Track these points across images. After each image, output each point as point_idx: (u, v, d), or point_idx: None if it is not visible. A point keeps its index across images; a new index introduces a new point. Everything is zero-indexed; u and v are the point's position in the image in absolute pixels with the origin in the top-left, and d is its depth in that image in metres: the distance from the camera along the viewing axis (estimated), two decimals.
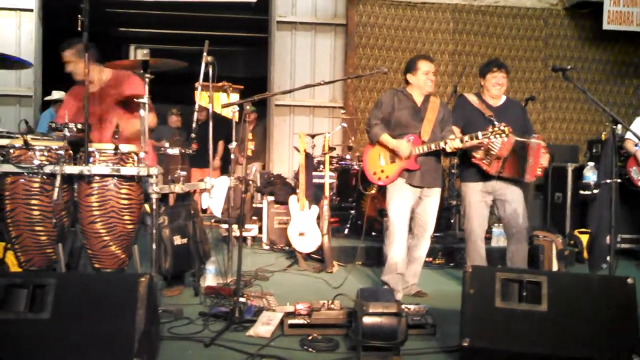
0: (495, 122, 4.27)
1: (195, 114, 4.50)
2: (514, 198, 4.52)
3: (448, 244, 5.98)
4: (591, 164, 6.05)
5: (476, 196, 4.59)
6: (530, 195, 6.69)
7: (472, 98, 4.65)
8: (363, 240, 5.42)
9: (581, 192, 5.85)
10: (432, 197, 4.43)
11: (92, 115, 3.77)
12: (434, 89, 4.48)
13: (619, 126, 4.57)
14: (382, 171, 4.40)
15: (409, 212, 4.40)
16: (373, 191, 5.66)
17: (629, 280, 2.91)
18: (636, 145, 5.83)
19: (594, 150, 6.88)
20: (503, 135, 4.12)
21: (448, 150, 4.29)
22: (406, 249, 4.39)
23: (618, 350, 2.80)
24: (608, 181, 3.86)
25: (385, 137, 4.36)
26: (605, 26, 8.71)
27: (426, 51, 8.80)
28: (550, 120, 9.22)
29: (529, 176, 4.42)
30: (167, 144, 5.48)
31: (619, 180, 3.80)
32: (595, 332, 2.83)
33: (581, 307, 2.90)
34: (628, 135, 5.93)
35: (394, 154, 4.35)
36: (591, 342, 2.82)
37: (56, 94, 8.41)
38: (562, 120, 9.23)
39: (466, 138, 4.23)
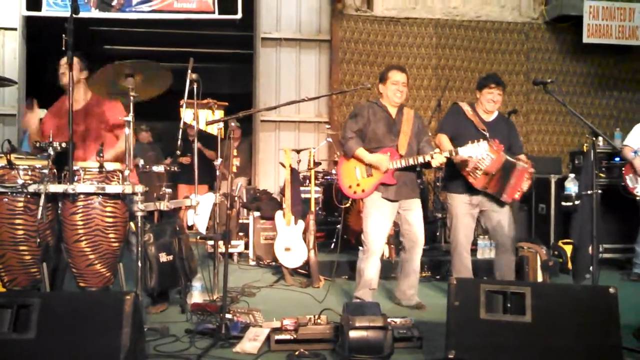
0: (487, 136, 4.31)
1: (180, 131, 4.51)
2: (500, 209, 4.56)
3: (434, 256, 6.00)
4: (572, 175, 6.12)
5: (462, 208, 4.61)
6: (515, 206, 6.75)
7: (467, 108, 4.65)
8: (339, 254, 5.45)
9: (563, 203, 5.91)
10: (414, 210, 4.43)
11: (75, 133, 3.77)
12: (402, 99, 4.45)
13: (600, 138, 4.64)
14: (358, 185, 4.39)
15: (388, 229, 4.41)
16: (348, 204, 5.64)
17: (611, 290, 2.95)
18: (634, 152, 5.83)
19: (576, 162, 6.96)
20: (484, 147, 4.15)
21: (434, 165, 4.30)
22: (380, 265, 4.41)
23: None
24: (589, 192, 3.92)
25: (361, 152, 4.34)
26: (585, 39, 8.84)
27: (409, 65, 8.88)
28: (532, 133, 9.32)
29: (507, 196, 4.44)
30: (142, 162, 5.45)
31: (599, 191, 3.86)
32: (578, 342, 2.86)
33: (565, 318, 2.93)
34: (626, 141, 5.95)
35: (370, 168, 4.35)
36: (575, 352, 2.85)
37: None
38: (544, 133, 9.34)
39: (446, 153, 4.25)
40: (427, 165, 4.36)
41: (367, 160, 4.33)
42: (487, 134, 4.39)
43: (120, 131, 4.12)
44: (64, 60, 4.13)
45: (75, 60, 4.09)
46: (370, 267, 4.35)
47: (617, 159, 6.38)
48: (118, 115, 3.99)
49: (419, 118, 4.60)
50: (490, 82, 4.60)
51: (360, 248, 4.49)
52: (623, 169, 6.02)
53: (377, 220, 4.34)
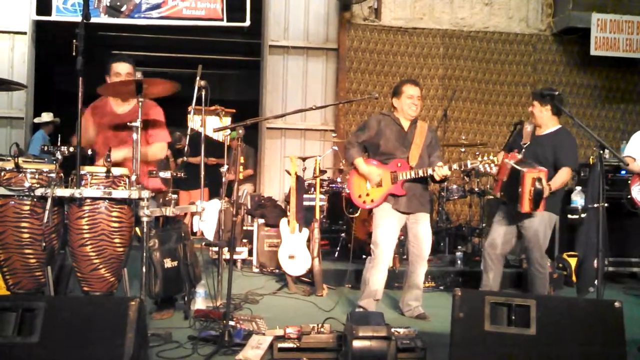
0: (522, 149, 4.42)
1: (188, 137, 4.53)
2: (528, 224, 4.50)
3: (438, 266, 5.98)
4: (578, 188, 6.07)
5: (499, 214, 4.67)
6: None
7: (526, 125, 4.68)
8: (343, 262, 5.42)
9: (569, 216, 5.86)
10: (421, 224, 4.43)
11: (114, 138, 4.05)
12: (417, 112, 4.46)
13: (606, 151, 4.61)
14: (368, 195, 4.41)
15: (396, 240, 4.41)
16: (357, 214, 5.62)
17: (617, 304, 2.93)
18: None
19: (582, 174, 6.92)
20: (492, 165, 4.13)
21: (436, 177, 4.29)
22: (386, 276, 4.40)
23: None
24: (595, 205, 3.91)
25: (358, 162, 4.40)
26: (593, 52, 8.84)
27: (416, 76, 8.89)
28: None
29: (520, 206, 4.36)
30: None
31: (606, 205, 3.84)
32: (583, 356, 2.85)
33: (570, 331, 2.91)
34: (626, 152, 5.76)
35: (380, 178, 4.35)
36: None
37: (45, 116, 8.44)
38: None
39: (455, 166, 4.25)
40: (439, 180, 4.35)
41: (361, 170, 4.38)
42: (525, 150, 4.47)
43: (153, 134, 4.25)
44: (123, 68, 4.27)
45: (130, 66, 4.32)
46: (376, 277, 4.34)
47: (624, 172, 6.33)
48: (161, 118, 4.24)
49: (433, 132, 4.60)
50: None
51: (368, 257, 4.49)
52: (629, 181, 5.90)
53: (386, 231, 4.34)
